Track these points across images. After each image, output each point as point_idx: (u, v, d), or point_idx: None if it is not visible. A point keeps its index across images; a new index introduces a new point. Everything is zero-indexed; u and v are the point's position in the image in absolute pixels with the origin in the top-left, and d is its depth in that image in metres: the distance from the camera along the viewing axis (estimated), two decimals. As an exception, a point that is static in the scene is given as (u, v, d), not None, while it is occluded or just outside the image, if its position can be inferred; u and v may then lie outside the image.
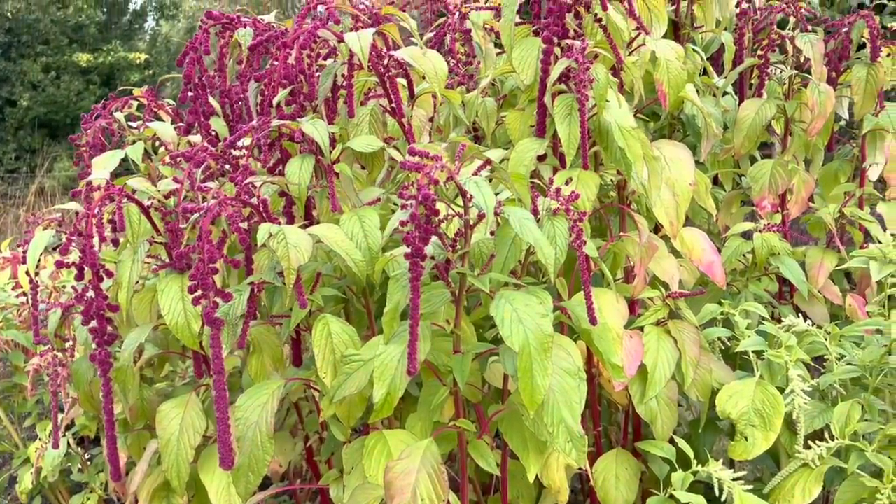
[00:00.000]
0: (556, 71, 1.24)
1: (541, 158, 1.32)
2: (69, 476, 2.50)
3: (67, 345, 1.86)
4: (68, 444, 2.30)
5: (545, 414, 1.01)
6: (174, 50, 10.89)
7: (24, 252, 1.72)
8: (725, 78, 1.99)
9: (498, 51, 1.94)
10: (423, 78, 1.60)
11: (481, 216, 1.04)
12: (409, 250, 0.98)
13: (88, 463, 2.39)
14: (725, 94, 2.10)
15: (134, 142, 1.77)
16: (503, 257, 1.08)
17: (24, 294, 2.72)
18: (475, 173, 1.03)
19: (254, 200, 1.16)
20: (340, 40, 1.33)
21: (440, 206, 1.02)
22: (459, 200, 1.07)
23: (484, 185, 0.96)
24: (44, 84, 9.15)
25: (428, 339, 1.03)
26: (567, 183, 1.24)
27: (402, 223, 0.99)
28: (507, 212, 1.00)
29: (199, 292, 1.03)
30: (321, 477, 1.79)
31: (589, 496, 1.63)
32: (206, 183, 1.48)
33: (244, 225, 1.29)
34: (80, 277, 1.37)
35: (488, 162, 1.03)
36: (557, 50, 1.33)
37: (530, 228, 0.98)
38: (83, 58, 9.28)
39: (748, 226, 1.74)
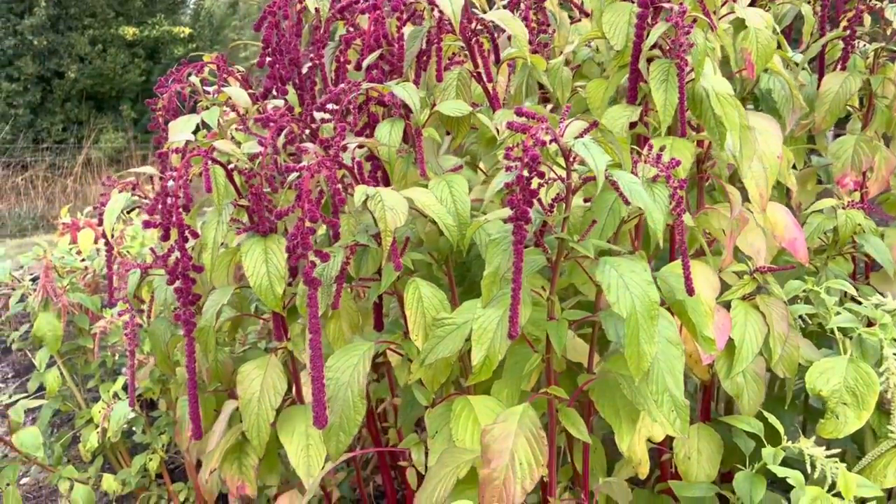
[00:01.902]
0: (654, 34, 1.21)
1: (632, 125, 1.29)
2: (129, 437, 2.56)
3: (143, 306, 1.89)
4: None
5: (650, 382, 0.99)
6: (217, 24, 10.95)
7: (101, 215, 1.74)
8: (802, 52, 1.94)
9: (571, 20, 1.91)
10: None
11: (586, 180, 1.03)
12: (512, 213, 0.97)
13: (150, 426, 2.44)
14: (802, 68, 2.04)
15: (207, 107, 1.78)
16: (602, 223, 1.07)
17: (84, 259, 2.77)
18: (579, 136, 1.01)
19: (347, 162, 1.16)
20: (430, 3, 1.31)
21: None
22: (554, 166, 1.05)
23: (594, 148, 0.94)
24: (90, 56, 9.27)
25: (528, 305, 1.02)
26: (661, 151, 1.21)
27: (507, 185, 0.97)
28: (615, 175, 0.98)
29: (300, 251, 1.03)
30: (381, 442, 1.81)
31: (660, 470, 1.61)
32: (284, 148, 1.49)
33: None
34: (165, 238, 1.38)
35: (595, 124, 1.01)
36: (647, 16, 1.30)
37: (640, 193, 0.96)
38: (129, 31, 9.37)
39: (831, 202, 1.69)
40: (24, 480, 3.03)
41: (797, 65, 1.94)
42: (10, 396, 2.28)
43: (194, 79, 1.77)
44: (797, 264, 1.58)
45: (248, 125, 1.64)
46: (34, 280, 2.61)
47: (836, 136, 2.07)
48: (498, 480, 0.99)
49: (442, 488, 1.07)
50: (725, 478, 1.61)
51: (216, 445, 1.56)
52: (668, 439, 1.50)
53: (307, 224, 1.04)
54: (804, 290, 1.48)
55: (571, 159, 1.01)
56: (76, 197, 8.07)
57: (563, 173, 1.03)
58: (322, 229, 1.42)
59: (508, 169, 0.98)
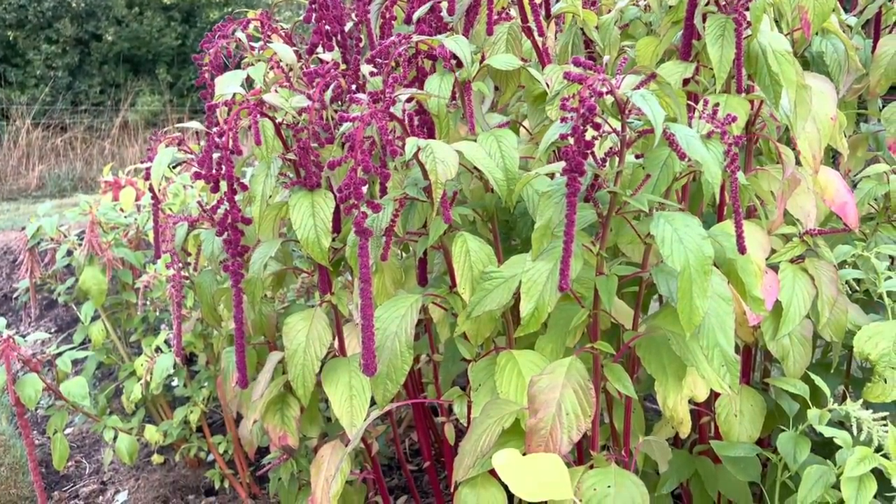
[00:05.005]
0: (712, -12, 1.18)
1: (686, 82, 1.27)
2: (169, 391, 2.62)
3: (190, 259, 1.93)
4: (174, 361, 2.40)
5: (701, 337, 0.99)
6: (251, -12, 10.90)
7: (147, 170, 1.77)
8: (856, 15, 1.89)
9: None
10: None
11: (641, 133, 1.02)
12: (566, 164, 0.96)
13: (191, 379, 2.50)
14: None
15: (252, 63, 1.79)
16: (655, 179, 1.06)
17: (127, 216, 2.82)
18: (636, 89, 1.00)
19: (398, 114, 1.16)
20: (482, -45, 1.30)
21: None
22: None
23: (651, 99, 0.93)
24: (127, 19, 9.32)
25: (580, 258, 1.02)
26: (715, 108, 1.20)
27: (562, 136, 0.97)
28: (671, 128, 0.97)
29: (352, 201, 1.04)
30: (418, 398, 1.84)
31: (698, 432, 1.62)
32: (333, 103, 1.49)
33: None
34: (215, 189, 1.40)
35: (653, 76, 1.00)
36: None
37: (697, 146, 0.95)
38: (165, -6, 9.40)
39: (883, 167, 1.66)
40: (67, 431, 3.13)
41: (850, 28, 1.89)
42: (56, 347, 2.35)
43: (240, 34, 1.78)
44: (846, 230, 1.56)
45: (292, 81, 1.64)
46: (79, 236, 2.66)
47: (886, 102, 2.02)
48: (544, 430, 1.00)
49: (487, 437, 1.09)
50: (760, 443, 1.61)
51: (260, 396, 1.60)
52: (707, 403, 1.51)
53: (359, 174, 1.05)
54: (853, 256, 1.47)
55: (627, 111, 1.00)
56: (113, 158, 8.19)
57: (618, 126, 1.02)
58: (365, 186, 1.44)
59: (564, 120, 0.98)
